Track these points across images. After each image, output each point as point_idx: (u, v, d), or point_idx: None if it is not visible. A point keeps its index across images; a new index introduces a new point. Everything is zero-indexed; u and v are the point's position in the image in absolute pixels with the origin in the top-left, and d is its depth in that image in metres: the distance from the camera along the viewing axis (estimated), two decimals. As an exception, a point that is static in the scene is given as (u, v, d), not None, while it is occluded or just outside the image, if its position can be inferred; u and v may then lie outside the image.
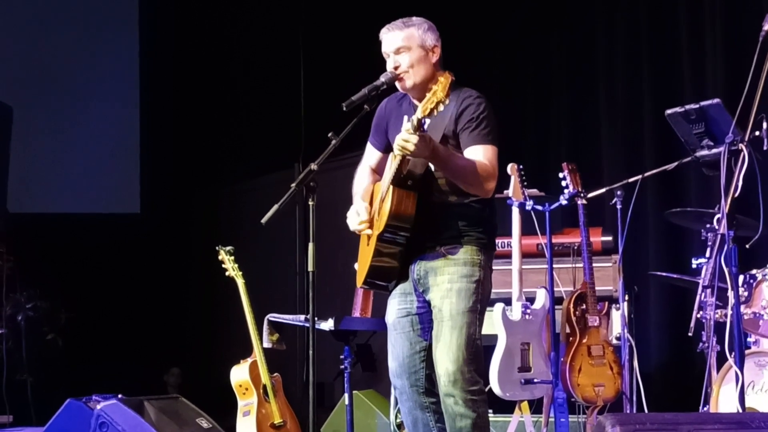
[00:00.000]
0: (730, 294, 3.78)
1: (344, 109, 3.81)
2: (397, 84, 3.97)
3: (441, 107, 3.65)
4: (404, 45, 3.92)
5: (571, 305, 5.29)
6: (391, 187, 3.83)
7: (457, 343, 3.82)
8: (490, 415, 5.49)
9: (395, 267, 3.96)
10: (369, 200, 4.08)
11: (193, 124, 9.43)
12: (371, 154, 4.20)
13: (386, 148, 4.09)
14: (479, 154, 3.83)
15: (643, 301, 6.08)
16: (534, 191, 5.39)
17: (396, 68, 3.92)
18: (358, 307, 5.55)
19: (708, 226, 4.55)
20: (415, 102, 3.94)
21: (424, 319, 3.98)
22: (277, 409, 5.26)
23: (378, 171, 4.15)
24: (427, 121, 3.80)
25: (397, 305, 4.03)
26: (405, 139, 3.65)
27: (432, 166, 3.87)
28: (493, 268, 4.09)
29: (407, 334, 4.00)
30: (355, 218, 4.00)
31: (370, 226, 3.97)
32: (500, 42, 7.30)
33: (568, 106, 6.99)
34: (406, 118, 3.76)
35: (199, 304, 9.38)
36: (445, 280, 3.89)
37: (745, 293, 4.62)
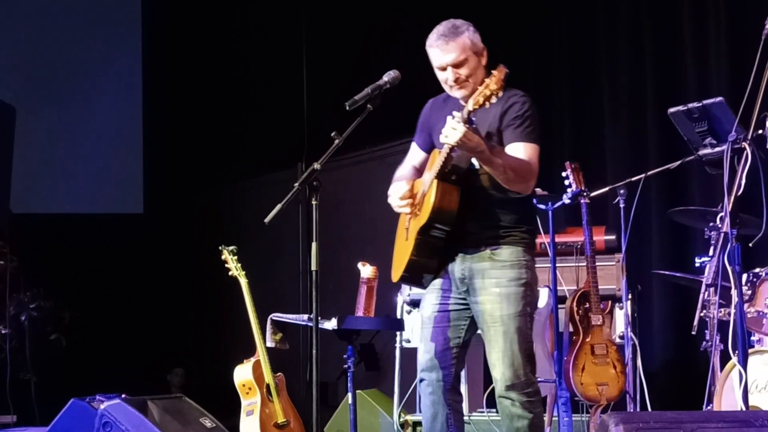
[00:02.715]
0: (734, 292, 3.76)
1: (347, 108, 3.81)
2: (454, 93, 3.95)
3: (493, 99, 3.64)
4: (463, 57, 3.89)
5: (575, 304, 5.29)
6: (435, 181, 3.82)
7: (512, 348, 3.85)
8: (492, 414, 5.54)
9: (434, 262, 3.97)
10: (411, 186, 4.05)
11: (196, 124, 9.44)
12: (415, 154, 4.20)
13: (430, 149, 4.09)
14: (521, 151, 3.84)
15: (647, 299, 6.08)
16: (537, 190, 5.38)
17: (456, 80, 3.90)
18: (361, 307, 5.54)
19: (711, 224, 4.55)
20: (462, 103, 3.89)
21: (462, 316, 4.00)
22: (281, 409, 5.26)
23: (421, 170, 4.14)
24: (474, 119, 3.78)
25: (435, 300, 4.03)
26: (453, 127, 3.64)
27: (476, 163, 3.87)
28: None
29: (442, 329, 4.00)
30: (396, 192, 3.99)
31: (412, 207, 3.95)
32: (501, 41, 7.29)
33: (571, 105, 6.99)
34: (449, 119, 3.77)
35: (202, 304, 9.40)
36: (493, 284, 3.89)
37: (749, 292, 4.61)
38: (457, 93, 3.93)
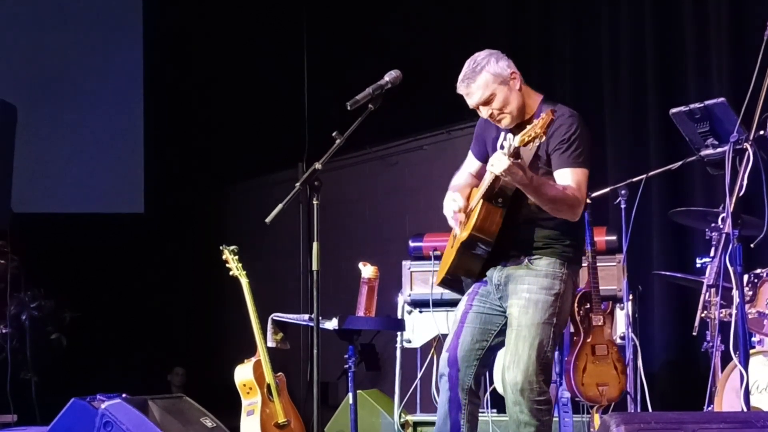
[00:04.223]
0: (735, 293, 3.77)
1: (348, 108, 3.82)
2: (498, 125, 3.99)
3: (537, 142, 3.65)
4: (488, 94, 3.91)
5: (576, 305, 5.29)
6: (481, 201, 3.87)
7: (528, 355, 3.85)
8: (494, 414, 5.54)
9: (474, 272, 4.02)
10: (467, 196, 4.10)
11: (196, 124, 9.45)
12: (471, 163, 4.23)
13: (485, 158, 4.12)
14: (568, 177, 3.85)
15: (648, 300, 6.07)
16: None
17: (491, 115, 3.94)
18: (362, 307, 5.55)
19: (712, 225, 4.54)
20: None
21: (493, 321, 4.02)
22: (281, 409, 5.26)
23: (477, 177, 4.17)
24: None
25: (470, 300, 4.06)
26: (499, 159, 3.67)
27: None
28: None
29: (472, 329, 4.02)
30: (452, 204, 4.03)
31: (463, 221, 4.00)
32: (502, 41, 7.29)
33: (572, 105, 6.93)
34: (503, 135, 3.84)
35: (203, 304, 9.39)
36: (524, 289, 3.91)
37: (750, 293, 4.61)
38: (500, 125, 3.99)
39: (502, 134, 3.98)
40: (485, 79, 3.91)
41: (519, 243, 3.95)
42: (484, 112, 3.96)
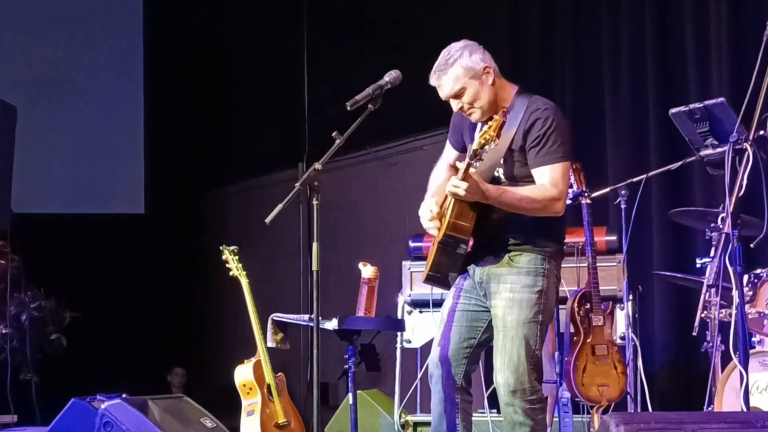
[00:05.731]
0: (735, 293, 3.77)
1: (348, 108, 3.82)
2: (469, 118, 3.99)
3: (492, 144, 3.69)
4: (458, 87, 3.90)
5: (576, 305, 5.29)
6: (453, 200, 3.86)
7: (518, 354, 3.85)
8: (493, 414, 5.54)
9: (456, 267, 4.01)
10: (444, 198, 4.09)
11: (197, 124, 9.45)
12: (449, 153, 4.22)
13: (463, 148, 4.12)
14: (545, 176, 3.85)
15: (648, 300, 6.07)
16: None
17: (461, 108, 3.94)
18: (362, 307, 5.55)
19: (712, 225, 4.54)
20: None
21: (479, 317, 4.01)
22: (281, 409, 5.26)
23: (456, 168, 4.15)
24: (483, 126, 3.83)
25: (456, 299, 4.06)
26: (455, 185, 3.71)
27: (501, 174, 3.91)
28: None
29: (459, 328, 4.02)
30: (428, 214, 4.02)
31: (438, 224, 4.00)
32: (502, 40, 7.30)
33: (572, 105, 6.98)
34: (479, 125, 3.85)
35: (203, 304, 9.40)
36: (507, 288, 3.90)
37: (750, 293, 4.61)
38: (470, 119, 3.99)
39: (479, 124, 3.96)
40: (456, 72, 3.90)
41: (498, 239, 3.93)
42: (454, 105, 3.95)
